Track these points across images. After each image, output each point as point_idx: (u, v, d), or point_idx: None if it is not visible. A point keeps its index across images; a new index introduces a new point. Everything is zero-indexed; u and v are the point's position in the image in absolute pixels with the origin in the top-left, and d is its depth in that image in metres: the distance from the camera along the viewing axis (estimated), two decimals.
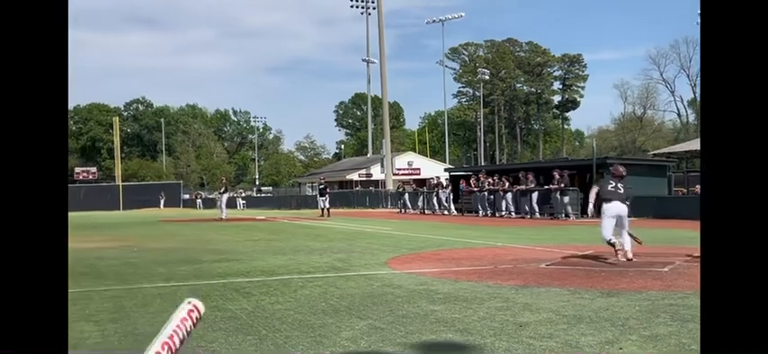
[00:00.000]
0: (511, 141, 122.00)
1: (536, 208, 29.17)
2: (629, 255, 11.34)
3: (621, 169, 11.93)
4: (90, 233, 23.96)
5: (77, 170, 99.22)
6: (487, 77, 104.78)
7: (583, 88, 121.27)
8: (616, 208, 11.42)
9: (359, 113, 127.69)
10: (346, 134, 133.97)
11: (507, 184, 31.26)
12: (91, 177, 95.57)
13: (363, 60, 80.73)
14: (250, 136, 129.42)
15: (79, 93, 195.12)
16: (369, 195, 52.46)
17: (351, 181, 72.01)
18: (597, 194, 11.92)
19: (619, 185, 11.60)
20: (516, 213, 30.25)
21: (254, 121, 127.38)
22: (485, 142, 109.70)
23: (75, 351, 8.73)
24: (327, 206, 36.12)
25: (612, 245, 11.36)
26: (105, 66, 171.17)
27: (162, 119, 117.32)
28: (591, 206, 12.27)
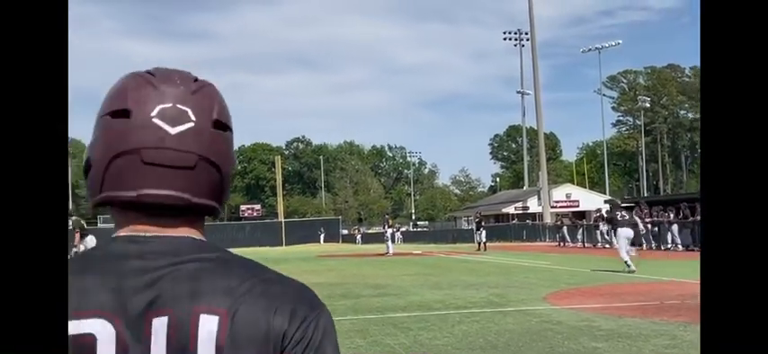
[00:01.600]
0: (675, 170, 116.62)
1: None
2: None
3: None
4: None
5: (243, 207, 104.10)
6: (648, 105, 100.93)
7: None
8: None
9: (514, 145, 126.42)
10: (501, 167, 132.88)
11: (671, 216, 29.88)
12: (255, 214, 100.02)
13: (518, 92, 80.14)
14: (405, 171, 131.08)
15: (244, 134, 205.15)
16: (526, 228, 51.64)
17: (507, 214, 71.21)
18: None
19: None
20: (683, 245, 28.81)
21: (410, 156, 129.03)
22: (647, 172, 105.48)
23: None
24: (484, 239, 35.86)
25: None
26: (268, 107, 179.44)
27: (321, 157, 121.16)
28: None
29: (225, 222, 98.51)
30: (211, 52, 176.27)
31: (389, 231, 36.64)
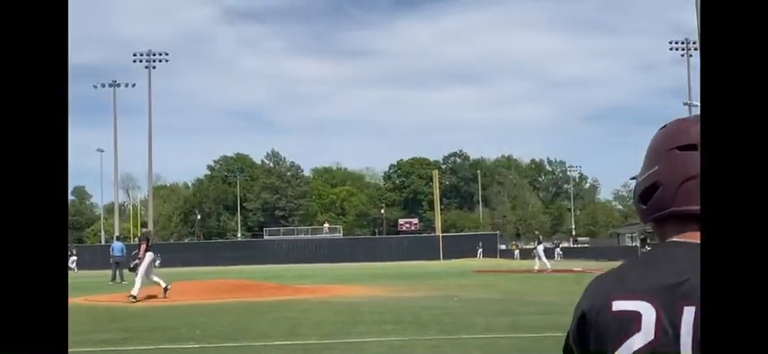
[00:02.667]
0: None
1: None
2: None
3: None
4: (413, 282, 25.24)
5: (401, 221, 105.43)
6: None
7: None
8: None
9: None
10: None
11: None
12: (413, 228, 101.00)
13: (685, 103, 76.27)
14: (565, 185, 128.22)
15: (401, 149, 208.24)
16: None
17: None
18: None
19: None
20: None
21: (570, 170, 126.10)
22: None
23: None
24: None
25: None
26: (426, 121, 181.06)
27: (478, 171, 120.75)
28: None
29: (383, 235, 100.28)
30: (372, 69, 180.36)
31: (540, 247, 37.71)
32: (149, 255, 18.57)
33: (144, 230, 20.24)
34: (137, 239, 19.23)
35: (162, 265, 60.35)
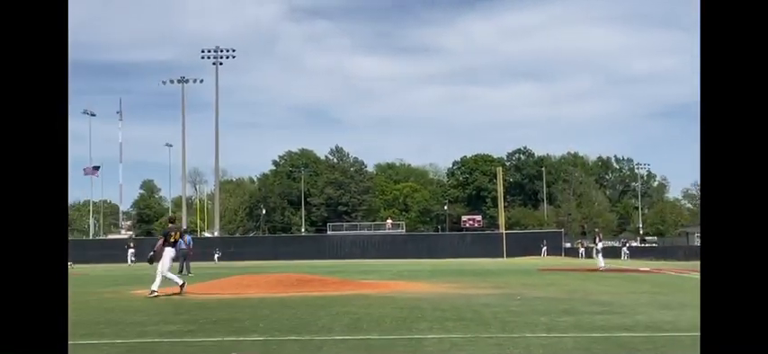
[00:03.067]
0: None
1: None
2: None
3: None
4: (476, 279, 25.13)
5: (464, 218, 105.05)
6: None
7: None
8: None
9: None
10: None
11: None
12: (476, 225, 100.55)
13: None
14: (633, 183, 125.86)
15: (465, 145, 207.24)
16: None
17: None
18: None
19: None
20: None
21: (638, 168, 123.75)
22: None
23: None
24: None
25: None
26: (490, 118, 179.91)
27: (543, 168, 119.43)
28: None
29: (446, 232, 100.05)
30: (435, 66, 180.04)
31: (600, 244, 37.82)
32: (170, 251, 18.18)
33: (170, 225, 19.57)
34: (173, 233, 18.59)
35: (227, 258, 61.49)
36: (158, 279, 17.60)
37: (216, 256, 60.30)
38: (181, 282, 17.96)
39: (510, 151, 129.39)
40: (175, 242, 18.61)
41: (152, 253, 18.55)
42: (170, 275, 18.01)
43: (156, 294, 17.06)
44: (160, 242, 18.23)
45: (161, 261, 17.95)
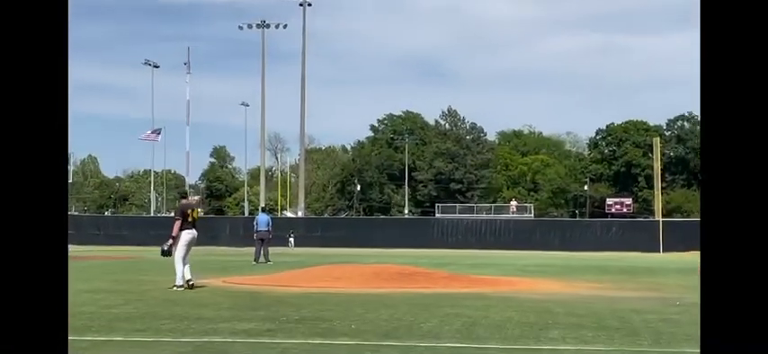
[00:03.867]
0: None
1: None
2: None
3: None
4: (623, 278, 24.72)
5: (609, 201, 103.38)
6: None
7: None
8: None
9: None
10: None
11: None
12: (625, 210, 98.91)
13: None
14: None
15: (613, 110, 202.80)
16: None
17: None
18: None
19: None
20: None
21: None
22: None
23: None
24: None
25: None
26: (646, 75, 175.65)
27: None
28: None
29: (586, 218, 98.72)
30: (576, 7, 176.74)
31: None
32: (188, 234, 17.98)
33: (183, 201, 19.14)
34: (173, 212, 17.71)
35: (313, 244, 62.44)
36: (179, 269, 17.63)
37: (290, 241, 60.80)
38: (184, 279, 17.77)
39: (671, 118, 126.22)
40: (194, 221, 18.31)
41: (170, 241, 18.09)
42: (178, 264, 17.75)
43: (182, 286, 17.31)
44: (176, 224, 17.94)
45: (177, 246, 17.88)
